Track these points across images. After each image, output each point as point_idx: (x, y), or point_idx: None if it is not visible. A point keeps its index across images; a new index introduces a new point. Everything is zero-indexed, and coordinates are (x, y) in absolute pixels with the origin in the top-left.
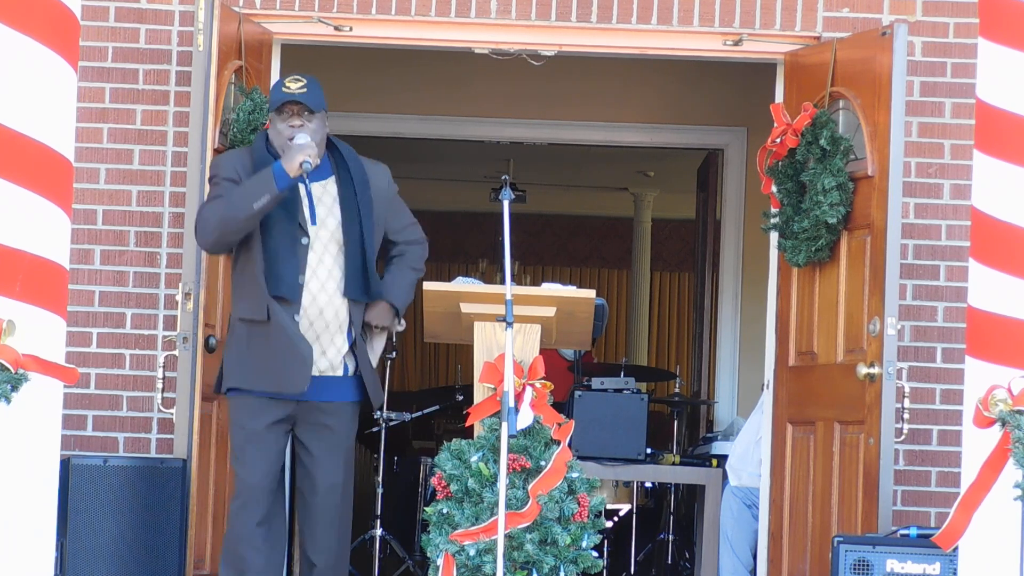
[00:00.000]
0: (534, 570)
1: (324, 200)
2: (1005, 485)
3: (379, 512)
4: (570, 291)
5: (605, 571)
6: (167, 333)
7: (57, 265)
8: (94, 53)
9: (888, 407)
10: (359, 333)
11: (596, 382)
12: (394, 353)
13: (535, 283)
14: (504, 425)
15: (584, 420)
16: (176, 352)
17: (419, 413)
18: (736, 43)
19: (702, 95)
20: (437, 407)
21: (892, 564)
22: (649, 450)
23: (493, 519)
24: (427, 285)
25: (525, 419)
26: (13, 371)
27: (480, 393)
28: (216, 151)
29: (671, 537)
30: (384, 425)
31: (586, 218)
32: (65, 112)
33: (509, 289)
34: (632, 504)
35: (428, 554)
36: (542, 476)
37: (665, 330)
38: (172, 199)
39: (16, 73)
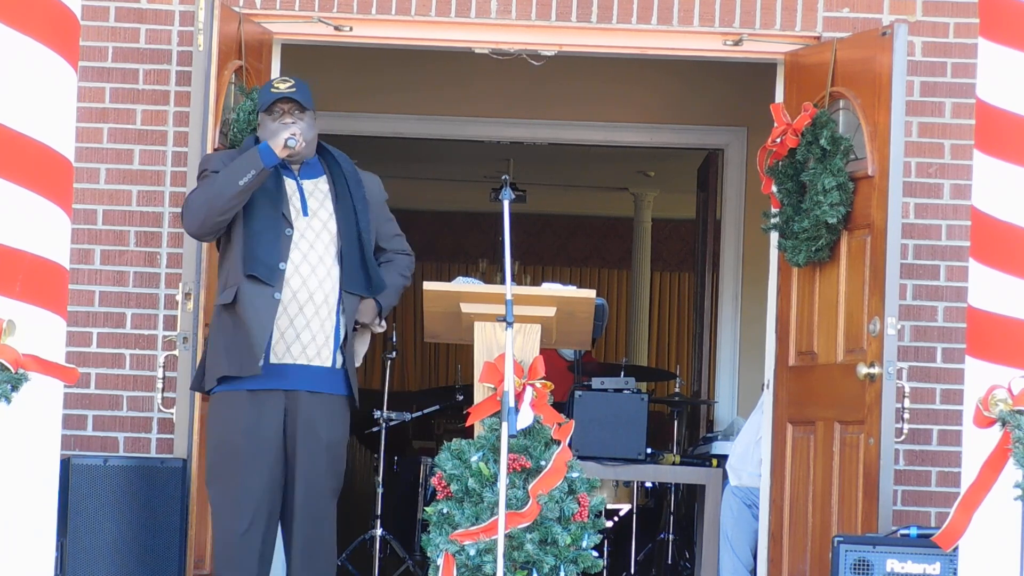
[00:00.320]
0: (534, 570)
1: (315, 195)
2: (1005, 485)
3: (379, 512)
4: (570, 291)
5: (605, 571)
6: (167, 333)
7: (57, 265)
8: (94, 53)
9: (888, 407)
10: (350, 330)
11: (596, 382)
12: (394, 353)
13: (535, 283)
14: (504, 425)
15: (584, 420)
16: (176, 352)
17: (419, 413)
18: (736, 43)
19: (702, 95)
20: (437, 407)
21: (892, 564)
22: (649, 450)
23: (493, 519)
24: (427, 285)
25: (525, 419)
26: (13, 371)
27: (480, 393)
28: (216, 151)
29: (671, 537)
30: (384, 425)
31: (586, 218)
32: (65, 112)
33: (509, 289)
34: (632, 504)
35: (428, 554)
36: (542, 476)
37: (665, 330)
38: (172, 199)
39: (16, 73)
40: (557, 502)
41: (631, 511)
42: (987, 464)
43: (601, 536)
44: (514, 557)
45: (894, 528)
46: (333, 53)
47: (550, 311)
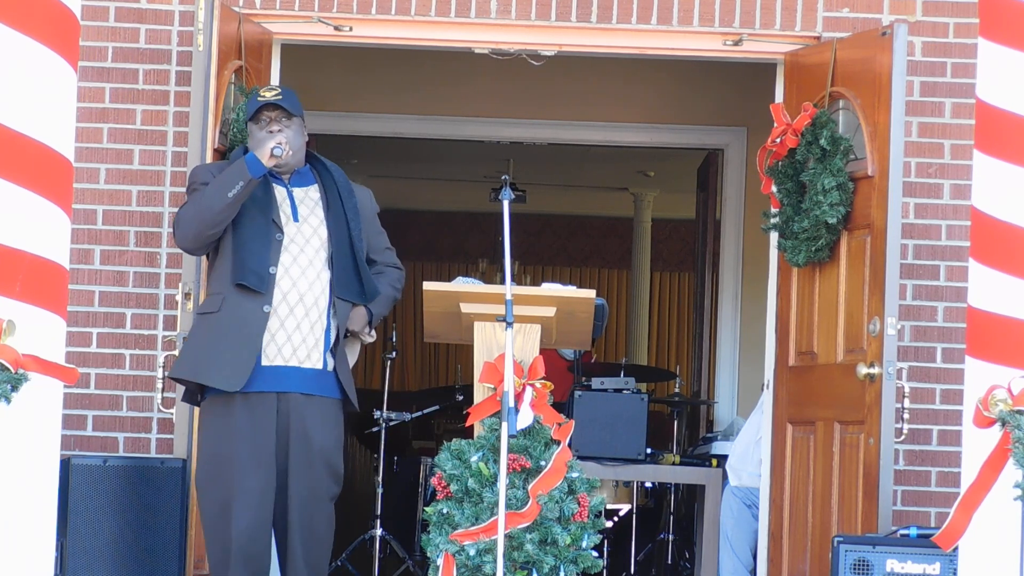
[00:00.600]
0: (534, 570)
1: (306, 202)
2: (1005, 485)
3: (379, 512)
4: (570, 291)
5: (605, 571)
6: (167, 333)
7: (57, 265)
8: (94, 53)
9: (888, 407)
10: (341, 335)
11: (596, 382)
12: (394, 353)
13: (535, 283)
14: (504, 425)
15: (584, 420)
16: (176, 352)
17: (419, 413)
18: (736, 43)
19: (702, 95)
20: (437, 407)
21: (892, 564)
22: (649, 450)
23: (493, 519)
24: (427, 285)
25: (525, 419)
26: (13, 371)
27: (480, 393)
28: (216, 151)
29: (671, 537)
30: (384, 425)
31: (586, 218)
32: (65, 112)
33: (509, 289)
34: (632, 504)
35: (428, 554)
36: (542, 476)
37: (665, 330)
38: (172, 199)
39: (16, 73)
40: (557, 502)
41: (631, 511)
42: (987, 464)
43: (601, 536)
44: (514, 557)
45: (894, 528)
46: (333, 53)
47: (550, 311)
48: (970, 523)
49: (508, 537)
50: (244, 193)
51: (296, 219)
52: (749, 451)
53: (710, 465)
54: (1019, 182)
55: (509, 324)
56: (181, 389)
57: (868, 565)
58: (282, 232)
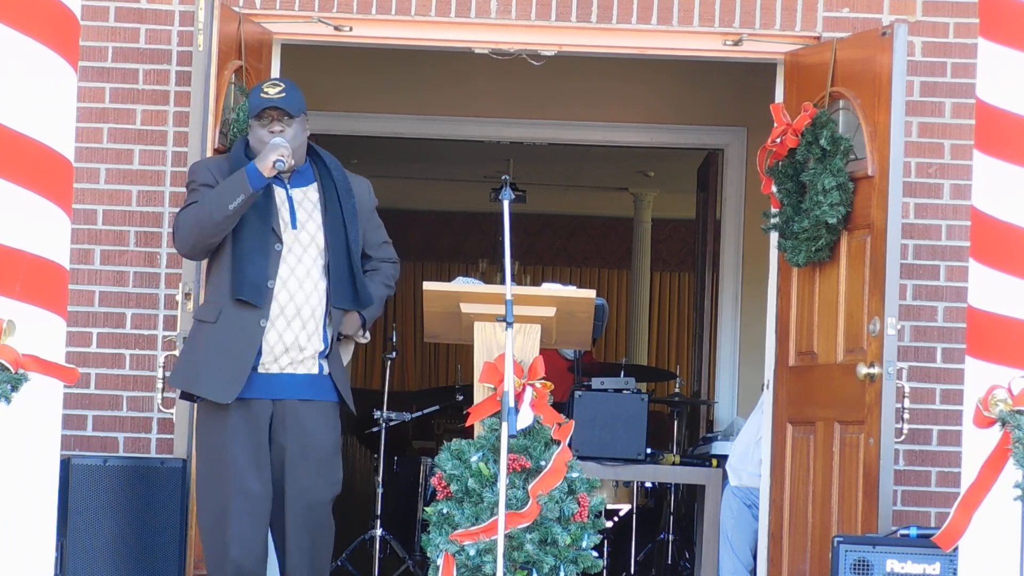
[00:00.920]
0: (534, 570)
1: (304, 205)
2: (1005, 485)
3: (379, 512)
4: (570, 291)
5: (605, 571)
6: (167, 333)
7: (57, 265)
8: (94, 53)
9: (888, 407)
10: (335, 340)
11: (596, 382)
12: (394, 353)
13: (535, 283)
14: (504, 425)
15: (584, 420)
16: (176, 352)
17: (419, 413)
18: (736, 43)
19: (702, 95)
20: (437, 407)
21: (892, 564)
22: (649, 450)
23: (493, 519)
24: (427, 285)
25: (525, 419)
26: (13, 371)
27: (480, 393)
28: (216, 151)
29: (671, 537)
30: (384, 425)
31: (586, 218)
32: (65, 112)
33: (509, 289)
34: (632, 504)
35: (428, 554)
36: (542, 476)
37: (665, 330)
38: (172, 199)
39: (16, 73)
40: (557, 502)
41: (631, 511)
42: (987, 464)
43: (601, 536)
44: (514, 557)
45: (894, 528)
46: (333, 53)
47: (550, 311)
48: (970, 523)
49: (508, 537)
50: (245, 205)
51: (294, 226)
52: (749, 451)
53: (710, 465)
54: (1019, 182)
55: (509, 324)
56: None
57: (868, 565)
58: (281, 242)
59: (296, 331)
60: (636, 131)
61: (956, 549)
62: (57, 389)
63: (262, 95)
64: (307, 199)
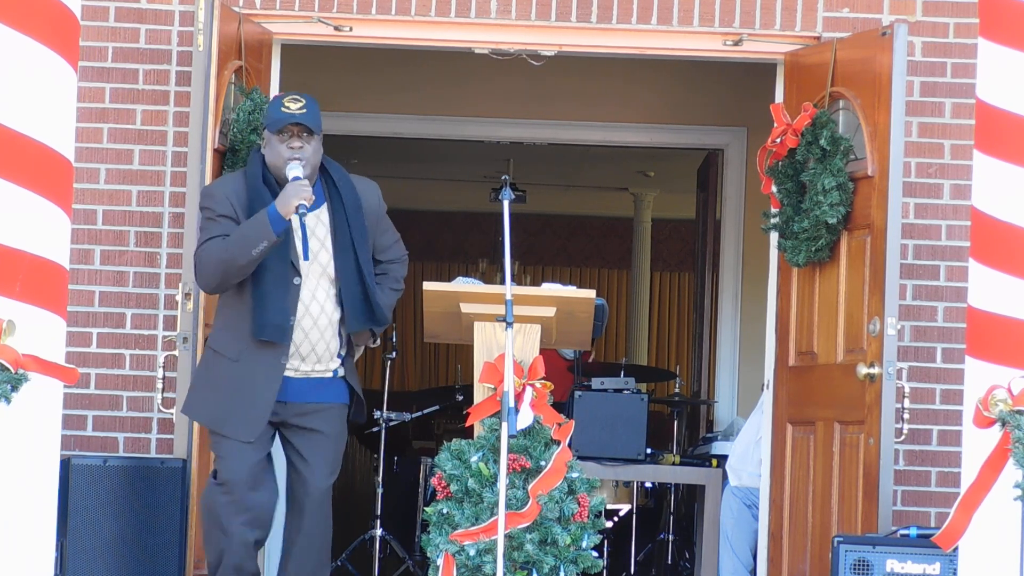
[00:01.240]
0: (534, 570)
1: (317, 232)
2: (1005, 485)
3: (379, 512)
4: (570, 291)
5: (605, 571)
6: (167, 333)
7: (57, 265)
8: (94, 53)
9: (888, 407)
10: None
11: (596, 382)
12: (394, 353)
13: (535, 283)
14: (504, 425)
15: (584, 420)
16: (176, 352)
17: (419, 413)
18: (736, 43)
19: (702, 95)
20: (437, 407)
21: (892, 564)
22: (649, 450)
23: (493, 519)
24: (427, 285)
25: (525, 419)
26: (13, 371)
27: (480, 393)
28: (216, 151)
29: (671, 537)
30: (384, 425)
31: (586, 218)
32: (65, 112)
33: (509, 289)
34: (632, 504)
35: (428, 554)
36: (542, 476)
37: (665, 330)
38: (172, 199)
39: (16, 73)
40: (557, 502)
41: (631, 511)
42: (987, 464)
43: (601, 536)
44: (514, 557)
45: (894, 528)
46: (333, 53)
47: (550, 311)
48: (970, 523)
49: (508, 537)
50: (268, 250)
51: (306, 257)
52: (749, 451)
53: (710, 465)
54: (1019, 182)
55: (509, 324)
56: (182, 389)
57: (868, 565)
58: (299, 275)
59: (312, 364)
60: (636, 131)
61: (956, 549)
62: (57, 389)
63: (283, 109)
64: (320, 223)
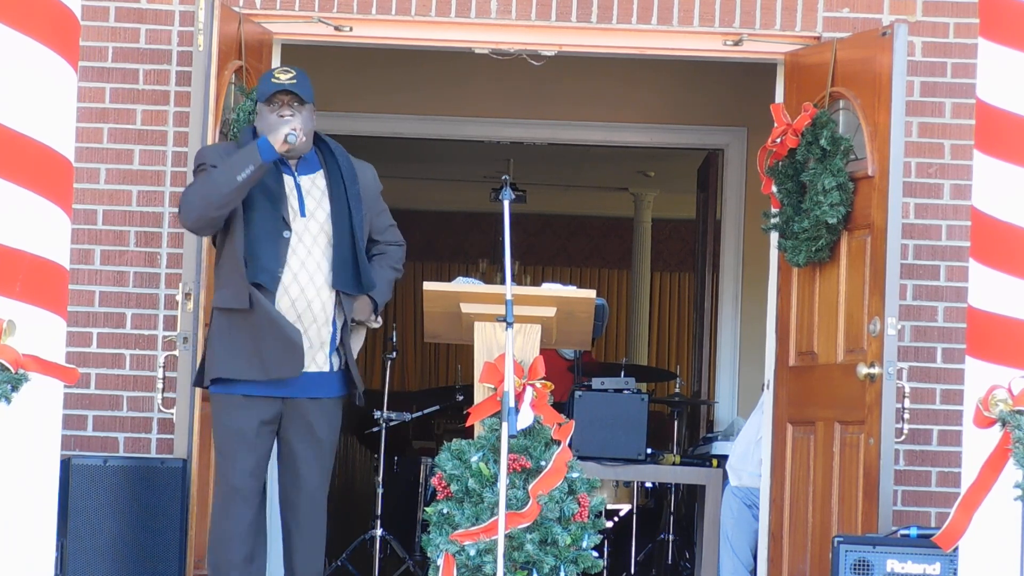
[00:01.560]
0: (534, 570)
1: (313, 193)
2: (1005, 485)
3: (379, 512)
4: (570, 291)
5: (605, 571)
6: (167, 333)
7: (57, 265)
8: (94, 53)
9: (888, 407)
10: (346, 330)
11: (596, 382)
12: (394, 353)
13: (535, 283)
14: (504, 425)
15: (584, 420)
16: (176, 352)
17: (419, 413)
18: (736, 43)
19: (702, 95)
20: (437, 407)
21: (892, 564)
22: (649, 450)
23: (493, 519)
24: (427, 285)
25: (525, 419)
26: (13, 371)
27: (480, 393)
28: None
29: (671, 537)
30: (384, 425)
31: (586, 218)
32: (65, 112)
33: (509, 289)
34: (632, 504)
35: (428, 554)
36: (542, 476)
37: (665, 330)
38: (172, 199)
39: (16, 73)
40: (557, 502)
41: (631, 511)
42: (987, 464)
43: (601, 536)
44: (514, 557)
45: (894, 528)
46: (333, 53)
47: (550, 311)
48: (970, 523)
49: (508, 537)
50: (254, 177)
51: (303, 214)
52: (749, 451)
53: (710, 465)
54: (1019, 182)
55: (509, 324)
56: (183, 388)
57: (868, 565)
58: (290, 229)
59: (306, 324)
60: (636, 131)
61: (956, 549)
62: (57, 389)
63: (273, 80)
64: (315, 186)
